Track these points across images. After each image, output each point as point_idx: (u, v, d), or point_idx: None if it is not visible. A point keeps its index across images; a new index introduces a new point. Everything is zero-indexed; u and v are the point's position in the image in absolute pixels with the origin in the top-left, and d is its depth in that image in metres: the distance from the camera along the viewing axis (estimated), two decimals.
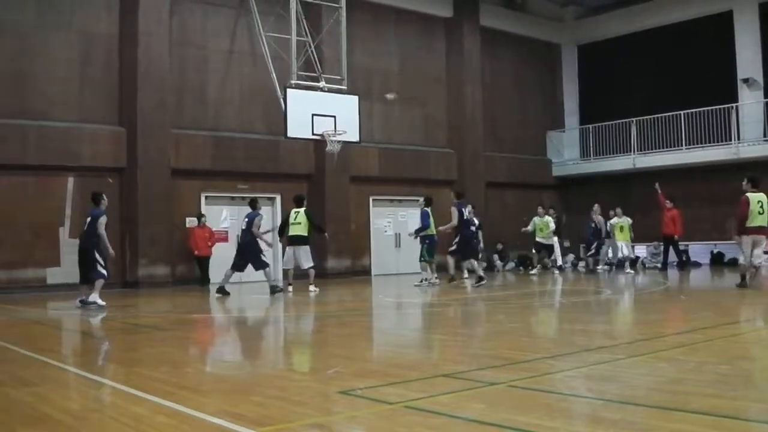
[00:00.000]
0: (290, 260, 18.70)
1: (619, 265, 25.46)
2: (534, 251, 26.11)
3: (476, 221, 22.62)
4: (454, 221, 19.70)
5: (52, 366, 8.28)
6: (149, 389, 6.55)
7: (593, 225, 25.40)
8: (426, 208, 20.35)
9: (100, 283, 15.16)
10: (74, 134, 21.12)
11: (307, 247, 18.59)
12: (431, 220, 20.05)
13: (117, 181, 21.89)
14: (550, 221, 25.32)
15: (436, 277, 20.30)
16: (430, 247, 20.21)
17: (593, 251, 25.69)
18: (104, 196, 16.00)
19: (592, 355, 8.00)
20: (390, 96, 20.40)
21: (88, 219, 15.27)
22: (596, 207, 25.42)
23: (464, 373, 6.99)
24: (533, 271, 25.57)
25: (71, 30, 21.42)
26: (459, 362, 8.03)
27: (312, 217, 18.97)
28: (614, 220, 25.10)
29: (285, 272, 19.65)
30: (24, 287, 19.93)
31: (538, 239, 25.41)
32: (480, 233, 23.21)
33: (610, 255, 27.56)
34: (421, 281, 20.12)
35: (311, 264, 18.67)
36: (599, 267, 26.88)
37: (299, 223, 18.49)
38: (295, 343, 10.95)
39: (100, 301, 14.97)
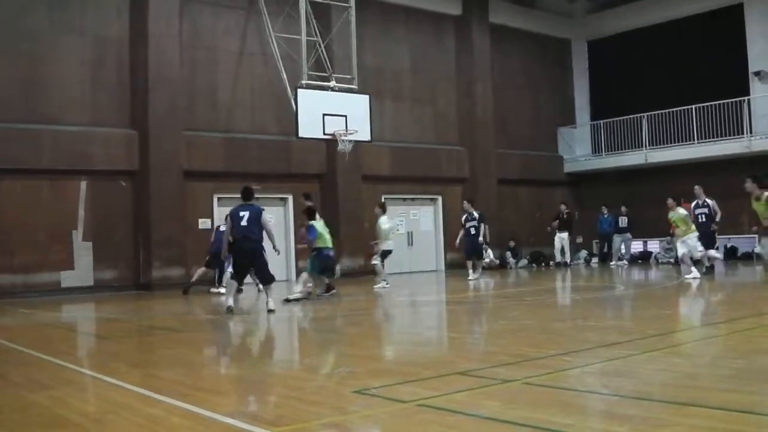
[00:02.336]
0: None
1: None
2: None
3: (475, 214, 21.95)
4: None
5: (68, 369, 8.32)
6: (165, 391, 6.59)
7: (708, 211, 20.48)
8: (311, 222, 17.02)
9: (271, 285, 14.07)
10: (87, 137, 21.20)
11: None
12: (317, 232, 16.70)
13: (129, 184, 21.97)
14: (382, 222, 19.96)
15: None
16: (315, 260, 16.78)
17: (712, 246, 20.43)
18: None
19: (606, 351, 7.99)
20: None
21: (245, 215, 13.63)
22: (698, 188, 20.81)
23: (479, 371, 6.99)
24: (378, 285, 19.56)
25: (82, 33, 21.49)
26: (473, 360, 8.04)
27: None
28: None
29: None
30: (39, 291, 20.01)
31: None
32: (483, 227, 21.97)
33: (623, 250, 27.54)
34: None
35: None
36: (613, 262, 26.85)
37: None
38: (308, 343, 10.96)
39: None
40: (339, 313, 14.52)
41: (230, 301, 13.83)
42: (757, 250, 17.82)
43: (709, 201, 20.59)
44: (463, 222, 22.33)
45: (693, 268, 18.57)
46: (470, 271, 21.77)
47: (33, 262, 20.25)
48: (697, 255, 19.01)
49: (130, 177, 22.00)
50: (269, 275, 14.07)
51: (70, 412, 5.98)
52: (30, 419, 5.84)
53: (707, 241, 20.10)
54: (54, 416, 5.86)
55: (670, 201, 19.80)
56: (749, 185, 16.41)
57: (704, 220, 20.33)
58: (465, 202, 22.94)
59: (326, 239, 16.65)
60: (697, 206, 20.61)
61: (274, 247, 14.15)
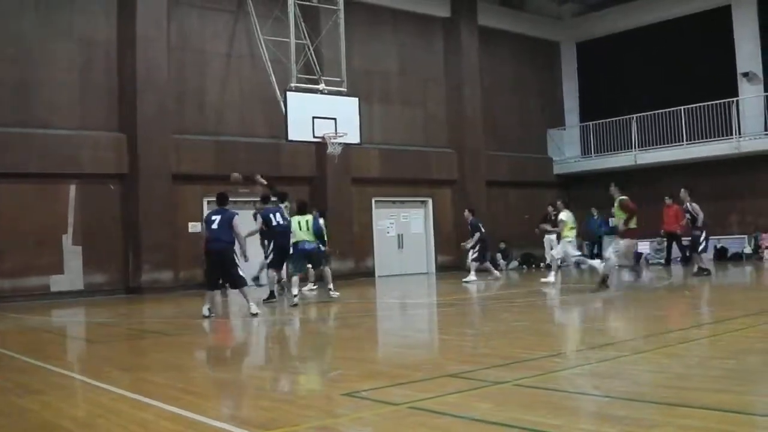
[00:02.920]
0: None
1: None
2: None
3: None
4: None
5: (57, 373, 8.29)
6: (155, 395, 6.57)
7: (690, 216, 19.88)
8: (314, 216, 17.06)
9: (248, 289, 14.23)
10: (75, 141, 21.12)
11: None
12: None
13: (119, 188, 21.89)
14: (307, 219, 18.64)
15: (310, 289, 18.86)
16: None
17: (702, 245, 19.97)
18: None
19: (596, 352, 8.00)
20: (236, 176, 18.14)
21: (217, 218, 13.80)
22: (683, 192, 20.13)
23: (469, 373, 6.98)
24: (308, 287, 19.71)
25: (71, 37, 21.39)
26: (464, 362, 8.03)
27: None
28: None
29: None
30: (28, 295, 19.92)
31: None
32: (475, 235, 22.23)
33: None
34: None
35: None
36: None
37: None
38: (299, 346, 10.95)
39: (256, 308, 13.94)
40: (328, 316, 14.51)
41: (205, 310, 13.75)
42: (607, 255, 17.46)
43: (690, 205, 19.90)
44: None
45: (552, 273, 19.40)
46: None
47: (22, 266, 20.14)
48: (571, 260, 20.13)
49: (120, 180, 21.92)
50: (237, 279, 14.10)
51: (59, 416, 5.96)
52: (19, 424, 5.82)
53: (691, 245, 20.39)
54: (43, 421, 5.84)
55: (559, 203, 20.22)
56: (612, 189, 16.65)
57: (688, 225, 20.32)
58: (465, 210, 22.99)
59: (298, 234, 16.40)
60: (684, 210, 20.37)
61: (243, 254, 14.12)
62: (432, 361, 8.40)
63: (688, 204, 19.97)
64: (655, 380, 6.42)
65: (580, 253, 20.18)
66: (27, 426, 5.74)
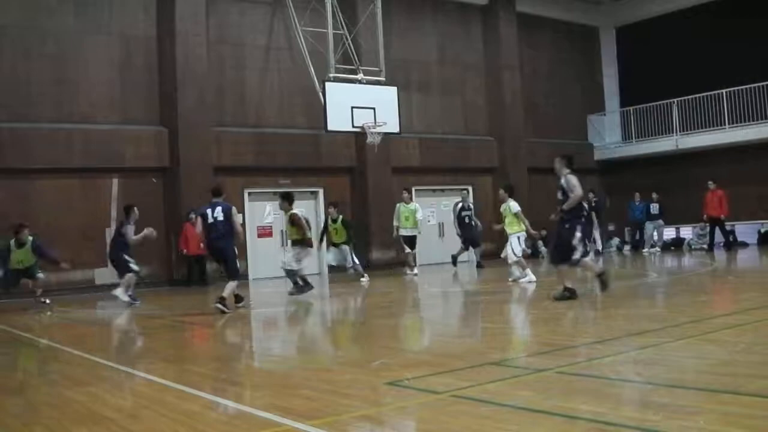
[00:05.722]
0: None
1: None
2: (407, 250, 21.77)
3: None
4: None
5: (103, 365, 8.40)
6: (199, 385, 6.64)
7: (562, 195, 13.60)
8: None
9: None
10: (117, 136, 21.35)
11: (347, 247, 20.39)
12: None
13: (161, 181, 22.09)
14: (417, 208, 21.72)
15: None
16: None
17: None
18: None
19: (638, 339, 7.95)
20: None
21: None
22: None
23: (511, 361, 7.00)
24: (414, 271, 21.65)
25: (110, 33, 21.62)
26: (506, 350, 8.03)
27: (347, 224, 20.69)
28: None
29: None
30: (73, 288, 20.17)
31: (403, 233, 21.53)
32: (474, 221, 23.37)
33: (655, 237, 27.39)
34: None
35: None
36: (646, 250, 26.71)
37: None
38: (341, 336, 10.99)
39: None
40: (372, 305, 14.55)
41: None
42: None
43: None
44: None
45: (527, 271, 16.75)
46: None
47: (67, 259, 20.35)
48: (511, 260, 16.93)
49: (161, 174, 22.12)
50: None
51: (105, 408, 6.05)
52: (66, 415, 5.91)
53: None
54: (90, 412, 5.93)
55: (501, 192, 17.81)
56: (405, 195, 17.70)
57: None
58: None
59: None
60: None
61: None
62: (474, 350, 8.39)
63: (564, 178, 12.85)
64: (698, 366, 6.38)
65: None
66: (74, 417, 5.82)
